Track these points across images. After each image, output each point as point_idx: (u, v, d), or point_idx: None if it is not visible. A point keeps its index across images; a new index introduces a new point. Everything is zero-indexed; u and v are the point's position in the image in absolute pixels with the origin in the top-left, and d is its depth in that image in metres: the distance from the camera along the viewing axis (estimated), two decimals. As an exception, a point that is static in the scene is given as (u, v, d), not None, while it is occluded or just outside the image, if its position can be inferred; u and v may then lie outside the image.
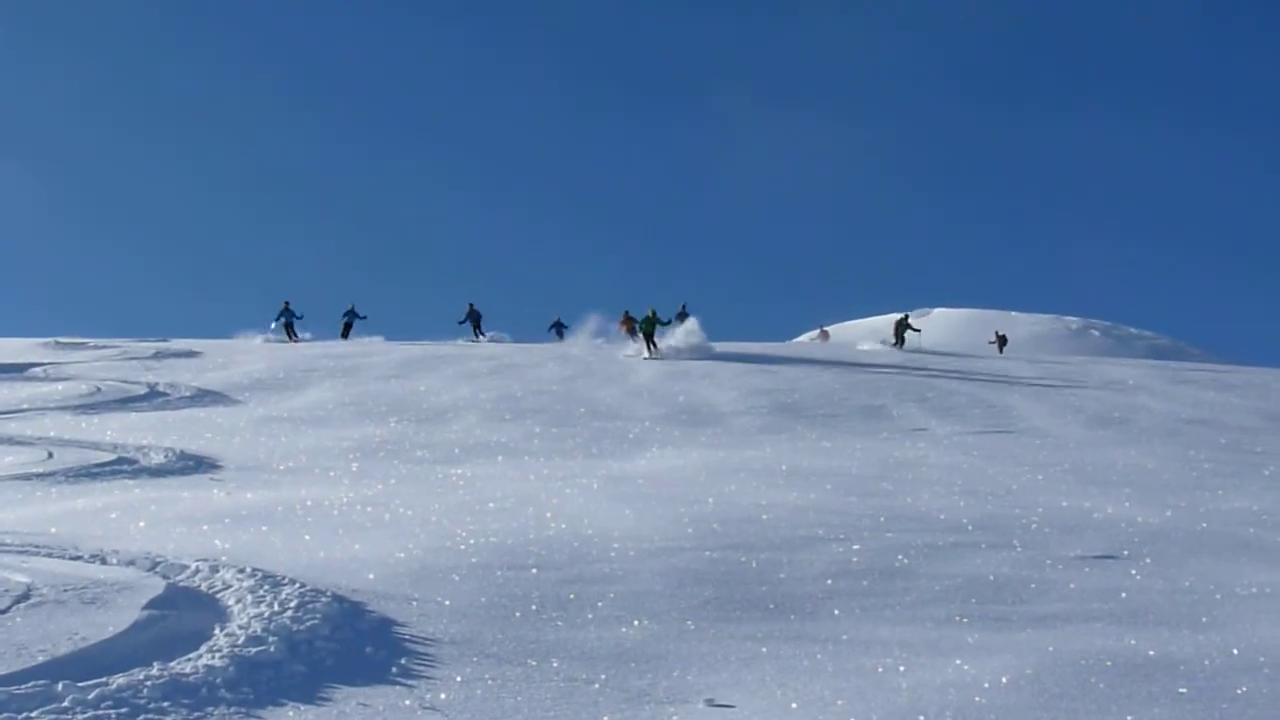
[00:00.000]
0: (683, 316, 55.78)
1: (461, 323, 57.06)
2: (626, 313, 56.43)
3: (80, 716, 8.72)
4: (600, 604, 12.60)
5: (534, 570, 13.79)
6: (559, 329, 61.85)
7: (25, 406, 30.05)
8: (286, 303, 55.01)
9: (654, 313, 47.03)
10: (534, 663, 10.58)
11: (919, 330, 55.54)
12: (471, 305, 57.52)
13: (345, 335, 56.17)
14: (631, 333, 55.71)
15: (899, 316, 56.68)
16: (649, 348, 45.88)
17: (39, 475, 20.53)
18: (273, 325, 55.48)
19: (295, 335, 54.43)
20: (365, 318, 57.61)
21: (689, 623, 12.08)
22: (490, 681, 10.05)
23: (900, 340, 53.61)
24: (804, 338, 69.83)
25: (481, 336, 56.35)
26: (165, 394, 33.31)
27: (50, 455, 22.54)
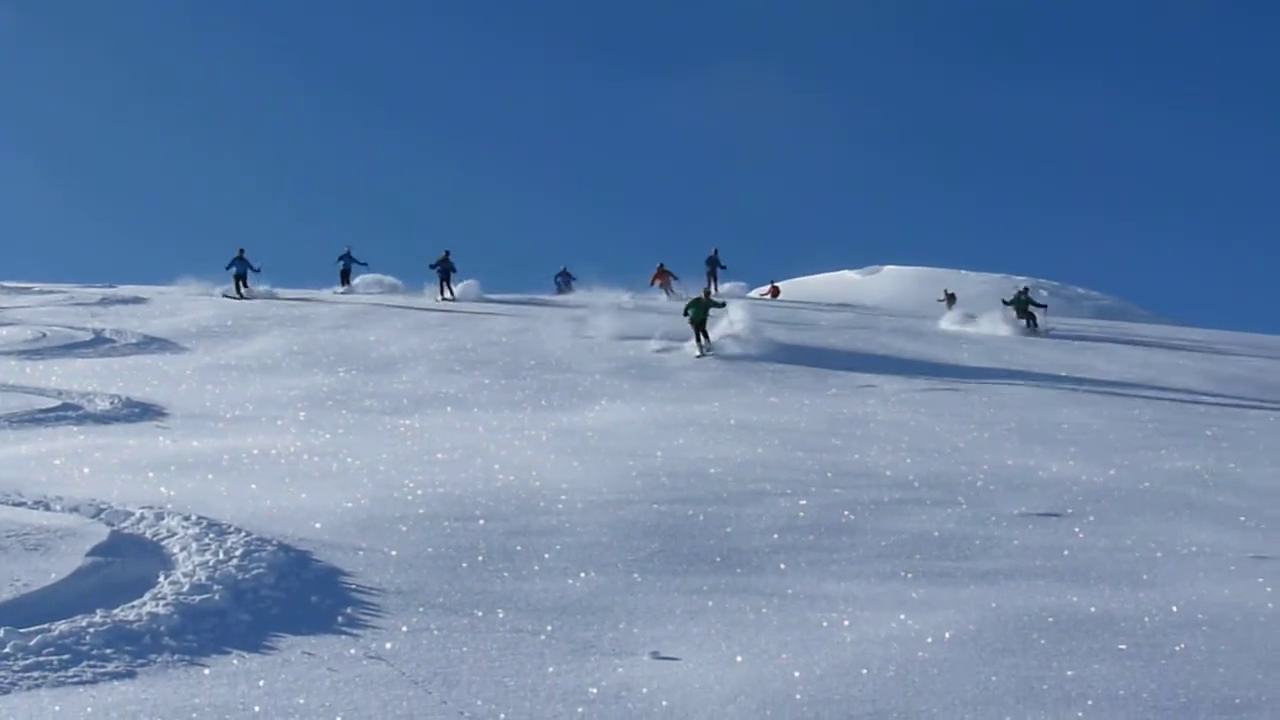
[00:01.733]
0: (712, 270, 52.84)
1: (433, 266, 49.11)
2: (661, 265, 52.98)
3: (21, 663, 8.69)
4: (547, 555, 12.60)
5: (481, 521, 13.77)
6: (565, 280, 58.04)
7: (-32, 351, 29.82)
8: (241, 250, 47.72)
9: (707, 292, 37.46)
10: (480, 614, 10.57)
11: (1044, 305, 44.66)
12: (446, 253, 49.08)
13: (345, 281, 52.38)
14: (666, 287, 52.05)
15: (1019, 291, 45.16)
16: (699, 341, 33.66)
17: (-17, 420, 20.40)
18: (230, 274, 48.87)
19: (246, 287, 47.24)
20: (366, 264, 53.41)
21: (635, 575, 12.08)
22: (436, 632, 10.03)
23: (1029, 319, 42.91)
24: (754, 293, 69.75)
25: (448, 293, 49.03)
26: (111, 340, 33.15)
27: (-6, 400, 22.37)
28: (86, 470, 15.84)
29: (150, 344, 32.76)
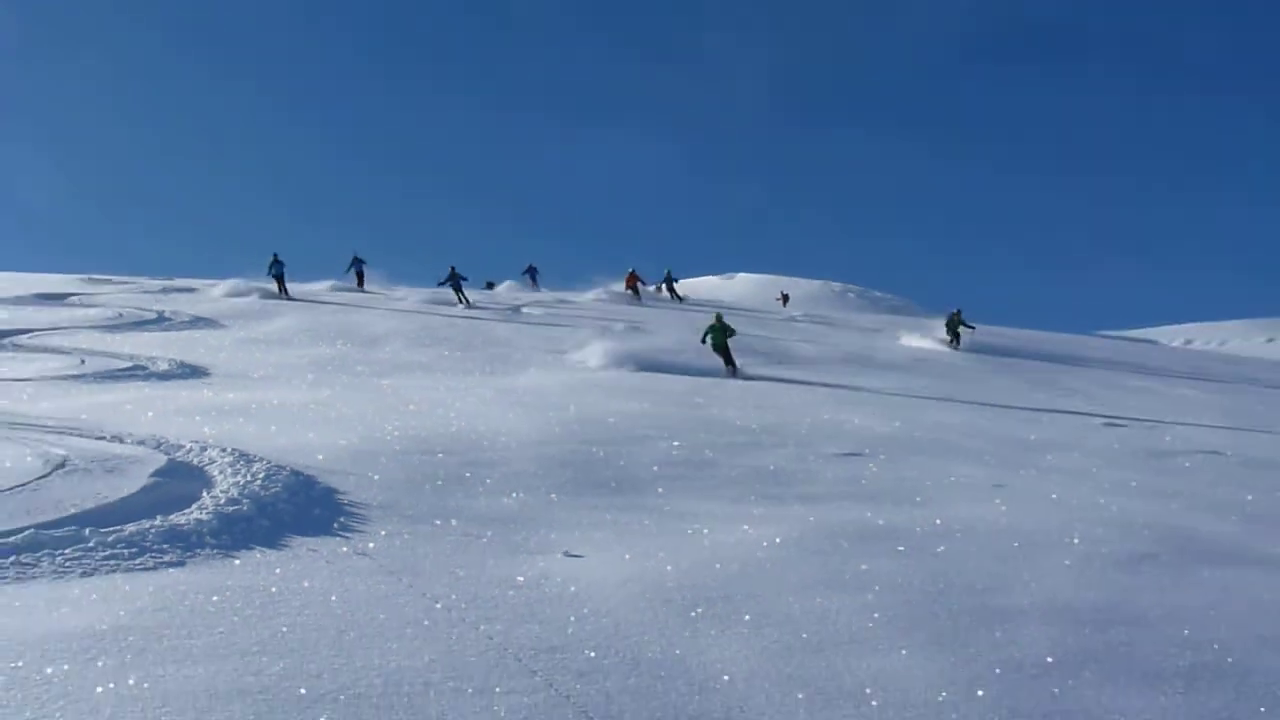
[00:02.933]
0: (669, 283, 50.87)
1: (442, 284, 42.12)
2: (632, 271, 48.66)
3: (101, 554, 8.67)
4: (489, 480, 12.60)
5: (440, 455, 13.75)
6: (532, 274, 52.86)
7: (64, 326, 29.36)
8: (276, 255, 41.10)
9: (720, 318, 28.36)
10: (439, 522, 10.57)
11: (973, 328, 38.46)
12: (452, 268, 41.85)
13: (361, 284, 45.55)
14: (635, 291, 47.83)
15: (952, 313, 38.45)
16: (728, 365, 26.89)
17: (74, 377, 20.19)
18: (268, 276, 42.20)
19: (286, 288, 40.73)
20: (365, 262, 46.46)
21: (553, 496, 12.12)
22: (407, 535, 10.03)
23: (956, 338, 37.59)
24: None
25: (463, 300, 41.53)
26: (170, 319, 32.69)
27: (83, 362, 22.14)
28: (150, 414, 15.66)
29: (198, 322, 32.33)
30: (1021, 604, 8.64)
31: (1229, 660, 7.59)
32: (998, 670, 7.16)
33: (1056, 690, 6.88)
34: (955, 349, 37.08)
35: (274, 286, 41.00)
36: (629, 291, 48.95)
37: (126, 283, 44.94)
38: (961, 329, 37.94)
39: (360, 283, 45.95)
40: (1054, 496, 13.40)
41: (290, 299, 39.71)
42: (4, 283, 41.00)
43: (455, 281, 42.32)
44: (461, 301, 41.48)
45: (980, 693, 6.77)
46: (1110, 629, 8.13)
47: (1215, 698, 6.90)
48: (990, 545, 10.60)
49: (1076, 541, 10.88)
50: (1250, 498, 14.06)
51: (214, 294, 39.52)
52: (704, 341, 27.48)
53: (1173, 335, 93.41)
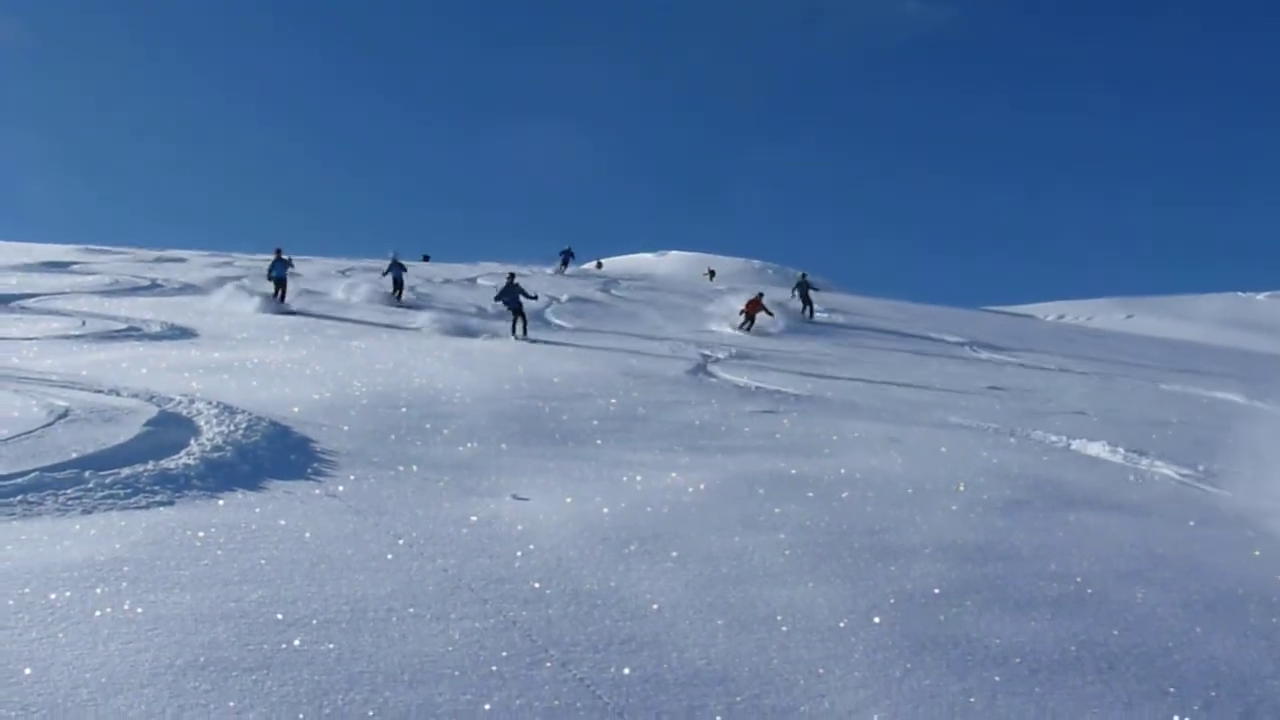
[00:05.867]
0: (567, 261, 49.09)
1: (498, 299, 27.23)
2: (598, 262, 43.21)
3: (100, 494, 8.58)
4: (446, 431, 12.55)
5: (403, 409, 13.67)
6: (566, 258, 49.56)
7: (67, 290, 28.87)
8: (279, 251, 29.80)
9: (512, 277, 26.90)
10: (401, 468, 10.51)
11: (818, 289, 37.49)
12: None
13: (399, 290, 32.29)
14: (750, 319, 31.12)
15: (799, 276, 36.45)
16: (520, 320, 26.03)
17: (75, 336, 19.90)
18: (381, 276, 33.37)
19: (284, 294, 29.14)
20: (405, 269, 33.20)
21: (503, 445, 12.09)
22: (372, 479, 9.97)
23: (807, 304, 35.81)
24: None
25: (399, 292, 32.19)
26: (162, 286, 32.26)
27: (83, 324, 21.83)
28: (144, 370, 15.44)
29: (187, 289, 31.90)
30: (913, 543, 8.73)
31: (1089, 591, 7.73)
32: (892, 600, 7.24)
33: (942, 617, 6.97)
34: (808, 318, 34.92)
35: (272, 289, 29.46)
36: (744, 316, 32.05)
37: (122, 253, 44.24)
38: (811, 293, 35.79)
39: (398, 293, 32.38)
40: (943, 450, 13.54)
41: (287, 308, 28.35)
42: (12, 252, 40.24)
43: (397, 271, 32.55)
44: (397, 293, 32.26)
45: (876, 620, 6.85)
46: (988, 564, 8.25)
47: (1077, 623, 7.03)
48: (887, 492, 10.71)
49: (962, 489, 11.01)
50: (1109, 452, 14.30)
51: (212, 303, 34.82)
52: (497, 300, 27.10)
53: (1047, 311, 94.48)
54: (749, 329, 30.96)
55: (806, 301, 36.04)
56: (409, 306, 31.04)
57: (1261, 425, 14.69)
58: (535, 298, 28.42)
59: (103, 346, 18.70)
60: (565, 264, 50.69)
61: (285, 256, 30.24)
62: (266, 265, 31.13)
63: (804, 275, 36.74)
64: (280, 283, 29.47)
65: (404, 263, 33.68)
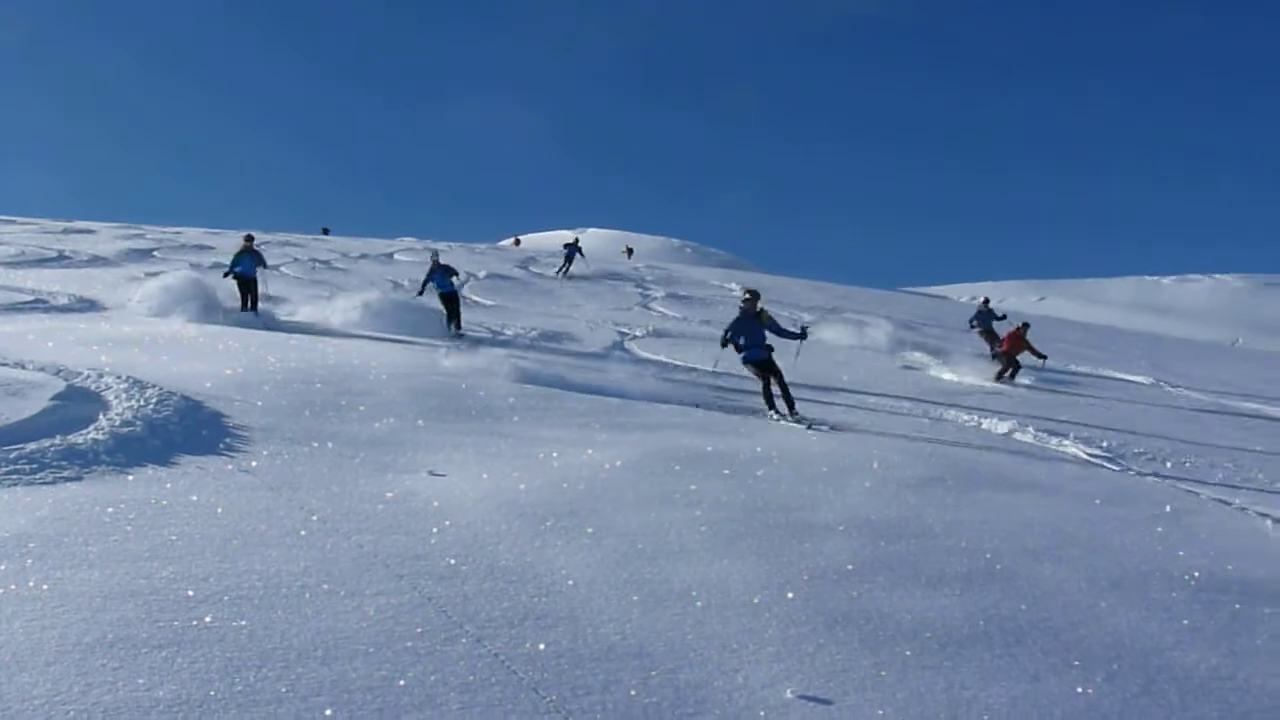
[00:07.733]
0: (571, 256, 41.22)
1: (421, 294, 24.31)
2: (1024, 327, 23.37)
3: (3, 470, 8.36)
4: (361, 408, 12.44)
5: (318, 385, 13.52)
6: (572, 249, 41.69)
7: (-34, 261, 28.21)
8: (249, 238, 22.91)
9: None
10: (316, 444, 10.41)
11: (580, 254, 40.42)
12: (435, 254, 25.50)
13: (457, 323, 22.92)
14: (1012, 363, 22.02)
15: (570, 238, 38.88)
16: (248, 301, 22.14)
17: (-25, 308, 19.43)
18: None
19: (254, 300, 22.20)
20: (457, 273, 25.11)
21: (420, 421, 12.01)
22: (287, 455, 9.86)
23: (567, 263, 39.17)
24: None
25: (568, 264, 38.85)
26: (70, 258, 31.63)
27: (-15, 295, 21.34)
28: (50, 344, 15.11)
29: (96, 261, 31.29)
30: (827, 520, 8.85)
31: (998, 567, 7.91)
32: (806, 576, 7.35)
33: (855, 593, 7.09)
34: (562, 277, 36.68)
35: (236, 293, 22.32)
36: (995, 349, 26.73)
37: (29, 223, 43.23)
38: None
39: (455, 319, 22.88)
40: (858, 428, 13.72)
41: (257, 314, 21.80)
42: (-91, 220, 39.13)
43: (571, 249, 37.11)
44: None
45: (790, 595, 6.94)
46: (901, 541, 8.40)
47: (986, 597, 7.19)
48: (802, 470, 10.84)
49: (876, 466, 11.18)
50: (1019, 433, 14.59)
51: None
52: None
53: (961, 292, 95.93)
54: (1011, 378, 21.43)
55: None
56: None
57: (1166, 407, 15.07)
58: (458, 274, 24.43)
59: (8, 319, 18.28)
60: (570, 261, 41.63)
61: (257, 248, 23.27)
62: (229, 257, 24.18)
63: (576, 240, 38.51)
64: (248, 283, 22.09)
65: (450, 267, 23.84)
